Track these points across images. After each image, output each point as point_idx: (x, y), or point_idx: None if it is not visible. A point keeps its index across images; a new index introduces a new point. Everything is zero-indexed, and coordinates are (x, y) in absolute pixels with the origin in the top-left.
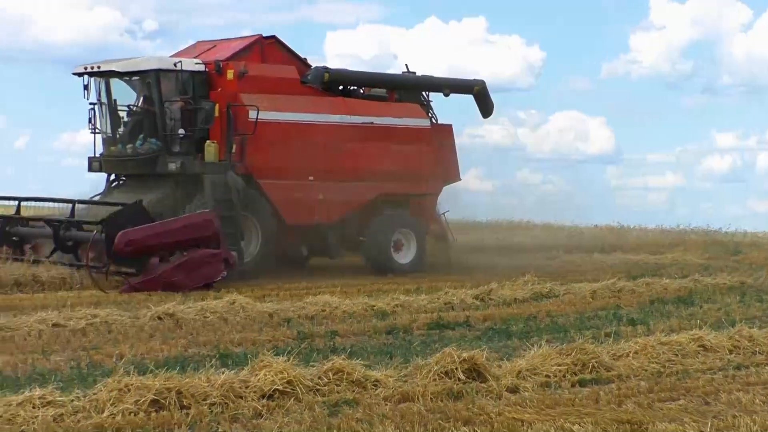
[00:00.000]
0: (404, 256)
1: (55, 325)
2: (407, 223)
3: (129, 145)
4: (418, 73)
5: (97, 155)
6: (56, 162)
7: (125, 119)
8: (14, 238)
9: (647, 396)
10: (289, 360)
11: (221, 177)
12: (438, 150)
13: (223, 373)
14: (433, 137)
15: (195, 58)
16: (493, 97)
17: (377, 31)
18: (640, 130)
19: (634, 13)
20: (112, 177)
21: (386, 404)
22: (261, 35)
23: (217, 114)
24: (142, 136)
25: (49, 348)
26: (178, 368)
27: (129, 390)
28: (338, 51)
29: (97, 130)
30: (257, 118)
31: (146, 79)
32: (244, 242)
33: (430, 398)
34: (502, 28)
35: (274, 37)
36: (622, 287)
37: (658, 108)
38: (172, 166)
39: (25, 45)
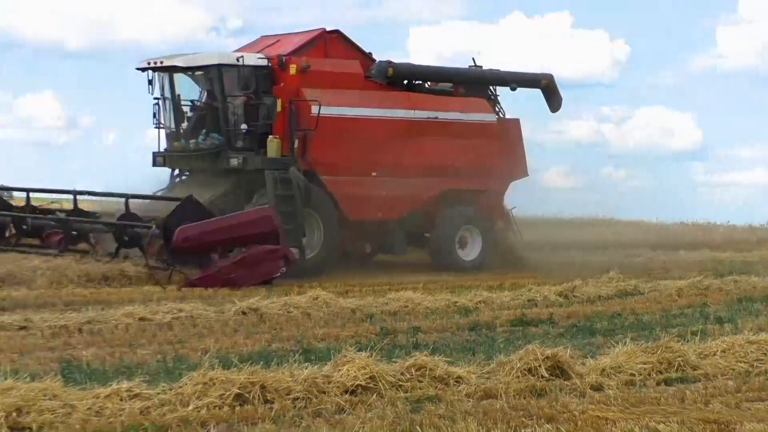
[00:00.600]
0: (469, 253)
1: (141, 318)
2: (472, 219)
3: (192, 141)
4: (485, 67)
5: (162, 150)
6: (144, 158)
7: (188, 114)
8: (73, 232)
9: (735, 396)
10: (371, 356)
11: (283, 173)
12: (505, 145)
13: (306, 368)
14: (500, 132)
15: (258, 52)
16: (577, 92)
17: (460, 27)
18: (727, 126)
19: (722, 7)
20: (176, 172)
21: (469, 401)
22: (324, 29)
23: (279, 109)
24: (204, 131)
25: (135, 341)
26: (261, 363)
27: (214, 384)
28: (421, 48)
29: (161, 125)
30: (319, 113)
31: (209, 74)
32: (306, 239)
33: (513, 395)
34: (586, 23)
35: (337, 31)
36: (708, 285)
37: (745, 103)
38: (234, 162)
39: (114, 44)
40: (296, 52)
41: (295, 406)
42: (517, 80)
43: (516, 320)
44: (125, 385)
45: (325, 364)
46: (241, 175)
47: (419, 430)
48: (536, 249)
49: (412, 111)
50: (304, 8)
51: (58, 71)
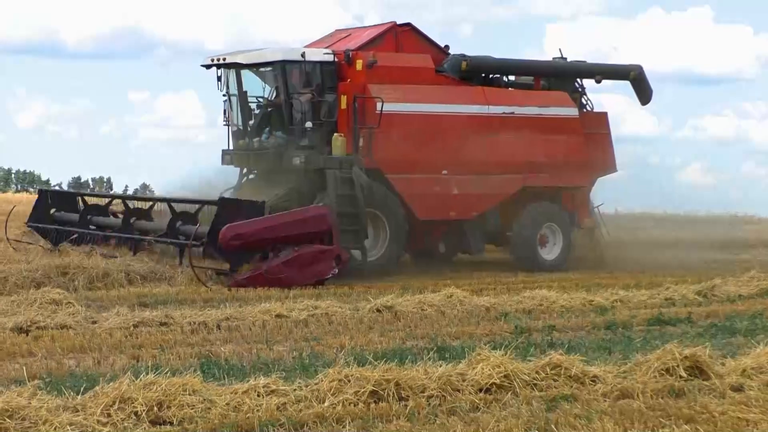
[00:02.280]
0: (550, 252)
1: (278, 315)
2: (554, 217)
3: (256, 139)
4: (570, 60)
5: (230, 149)
6: None
7: (255, 112)
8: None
9: None
10: (506, 354)
11: (345, 172)
12: (589, 140)
13: (440, 366)
14: (584, 126)
15: (328, 47)
16: (717, 89)
17: (597, 22)
18: None
19: None
20: (245, 170)
21: (605, 400)
22: (395, 23)
23: (344, 106)
24: (267, 129)
25: (272, 338)
26: (396, 360)
27: (349, 381)
28: (557, 44)
29: (229, 123)
30: (382, 110)
31: (272, 71)
32: (371, 239)
33: (651, 395)
34: (728, 18)
35: (409, 24)
36: None
37: None
38: (297, 161)
39: (252, 44)
40: (365, 46)
41: (429, 404)
42: (603, 72)
43: (653, 319)
44: (262, 381)
45: (460, 362)
46: (305, 175)
47: (554, 429)
48: (625, 247)
49: (487, 106)
50: (442, 6)
51: (198, 72)
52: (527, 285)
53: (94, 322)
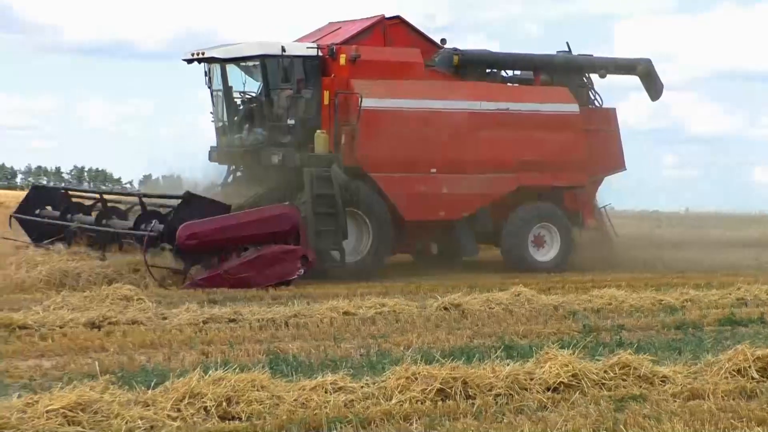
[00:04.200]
0: (545, 253)
1: (345, 313)
2: (549, 217)
3: (237, 136)
4: (576, 53)
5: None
6: None
7: (240, 108)
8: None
9: None
10: (574, 353)
11: (323, 170)
12: (594, 137)
13: (507, 364)
14: (587, 123)
15: (317, 40)
16: None
17: (666, 20)
18: None
19: None
20: (233, 168)
21: (674, 401)
22: (383, 16)
23: (327, 102)
24: (247, 126)
25: (340, 335)
26: (463, 358)
27: (416, 378)
28: (626, 42)
29: (215, 119)
30: (361, 107)
31: (252, 66)
32: (353, 240)
33: (721, 396)
34: None
35: (398, 17)
36: None
37: None
38: (275, 159)
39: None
40: (351, 40)
41: (496, 403)
42: (608, 66)
43: (725, 319)
44: (330, 377)
45: (527, 360)
46: (286, 173)
47: (623, 429)
48: (634, 247)
49: (479, 102)
50: (504, 5)
51: None
52: (596, 284)
53: (165, 318)
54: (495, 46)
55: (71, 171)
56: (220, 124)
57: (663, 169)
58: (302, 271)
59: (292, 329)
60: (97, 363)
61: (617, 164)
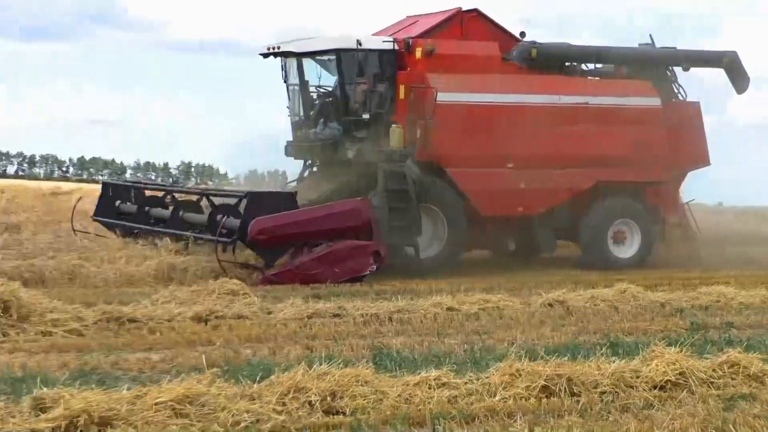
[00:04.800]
0: (626, 250)
1: (449, 308)
2: (630, 213)
3: (312, 130)
4: (659, 46)
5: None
6: None
7: (316, 102)
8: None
9: None
10: (681, 351)
11: (397, 165)
12: (677, 132)
13: (613, 361)
14: (670, 117)
15: (394, 34)
16: None
17: None
18: None
19: None
20: (309, 163)
21: None
22: (460, 8)
23: (403, 96)
24: (322, 120)
25: (443, 331)
26: (568, 355)
27: (520, 375)
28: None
29: (291, 114)
30: (436, 101)
31: (328, 60)
32: (428, 236)
33: None
34: None
35: (476, 10)
36: None
37: None
38: (350, 153)
39: None
40: (428, 33)
41: (602, 400)
42: (691, 59)
43: None
44: (433, 373)
45: (633, 358)
46: (361, 168)
47: (732, 429)
48: (720, 245)
49: (558, 96)
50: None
51: None
52: (704, 281)
53: (270, 313)
54: (598, 40)
55: (178, 166)
56: (296, 118)
57: None
58: (375, 267)
59: (396, 324)
60: (203, 356)
61: (701, 159)
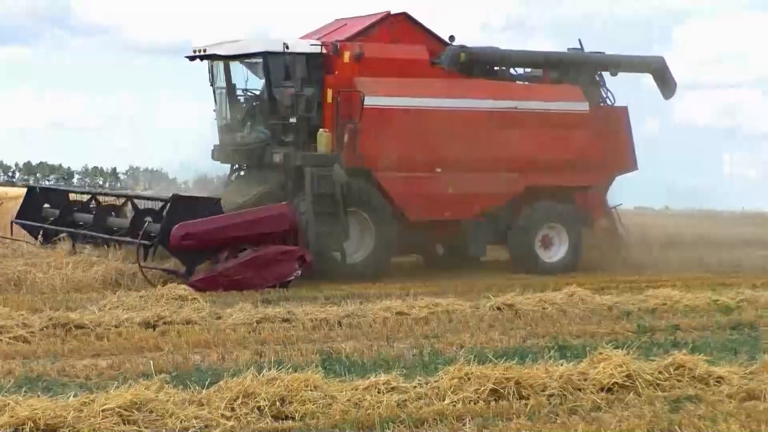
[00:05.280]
0: (553, 254)
1: (399, 313)
2: (558, 217)
3: (239, 134)
4: (588, 51)
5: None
6: None
7: (243, 106)
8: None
9: None
10: (628, 353)
11: (324, 170)
12: (604, 136)
13: (561, 364)
14: (597, 122)
15: (322, 37)
16: None
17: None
18: None
19: None
20: (236, 167)
21: (730, 402)
22: (389, 12)
23: (330, 100)
24: (249, 124)
25: (393, 335)
26: (516, 359)
27: (469, 379)
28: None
29: (218, 117)
30: (363, 105)
31: (255, 63)
32: (356, 241)
33: None
34: None
35: (404, 13)
36: None
37: None
38: (276, 158)
39: None
40: (356, 37)
41: (550, 403)
42: (619, 64)
43: None
44: (383, 378)
45: (581, 361)
46: (288, 172)
47: (678, 430)
48: (648, 248)
49: (486, 101)
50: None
51: None
52: (650, 284)
53: (219, 318)
54: (560, 45)
55: (127, 171)
56: (223, 122)
57: (729, 168)
58: (299, 272)
59: (345, 329)
60: (152, 362)
61: (628, 164)
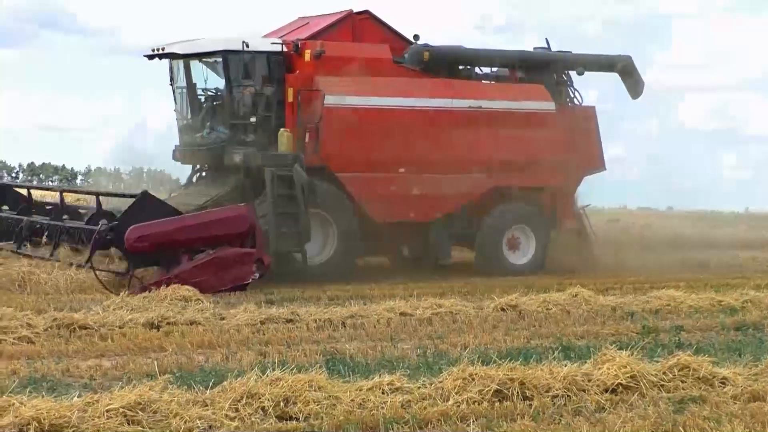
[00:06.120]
0: (520, 256)
1: (402, 313)
2: (524, 218)
3: (199, 134)
4: (556, 50)
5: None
6: None
7: (203, 106)
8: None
9: None
10: (632, 354)
11: (285, 170)
12: (572, 136)
13: (565, 365)
14: (564, 122)
15: (284, 36)
16: None
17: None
18: None
19: None
20: (197, 167)
21: (735, 403)
22: (351, 10)
23: (291, 99)
24: (209, 124)
25: (397, 336)
26: (520, 359)
27: (473, 379)
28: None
29: (178, 117)
30: (324, 104)
31: (214, 62)
32: (319, 242)
33: None
34: None
35: (367, 11)
36: None
37: None
38: (237, 158)
39: None
40: (318, 35)
41: (554, 404)
42: (585, 63)
43: None
44: (387, 378)
45: (585, 362)
46: (248, 173)
47: (682, 431)
48: (619, 249)
49: (450, 100)
50: (566, 5)
51: None
52: (654, 285)
53: (223, 319)
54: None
55: (129, 172)
56: (183, 122)
57: (723, 170)
58: (257, 275)
59: (349, 329)
60: (156, 363)
61: (596, 164)
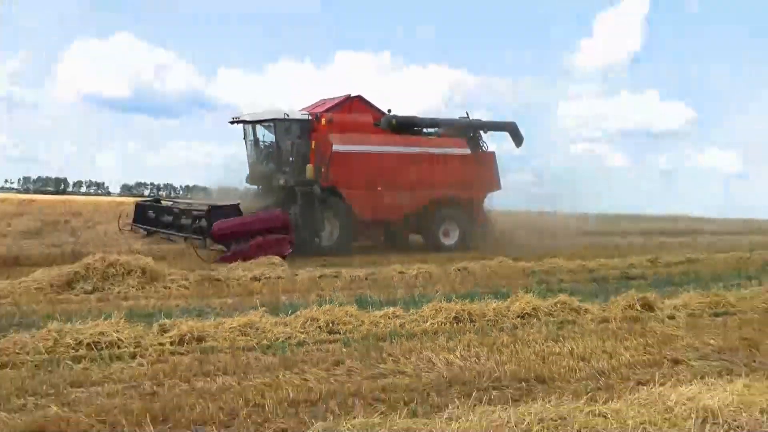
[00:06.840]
0: (450, 240)
1: (400, 272)
2: (452, 217)
3: (260, 168)
4: (472, 118)
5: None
6: None
7: (262, 150)
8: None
9: (758, 323)
10: (533, 296)
11: (308, 188)
12: (480, 169)
13: (494, 302)
14: (476, 160)
15: (310, 109)
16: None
17: None
18: None
19: None
20: (258, 187)
21: (592, 323)
22: (350, 94)
23: (313, 147)
24: (265, 162)
25: (397, 285)
26: (469, 299)
27: (441, 310)
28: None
29: (248, 157)
30: (332, 150)
31: (268, 125)
32: (327, 232)
33: (619, 321)
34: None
35: (359, 96)
36: (743, 256)
37: None
38: (280, 182)
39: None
40: (329, 110)
41: (488, 324)
42: (488, 126)
43: (622, 276)
44: (391, 310)
45: (505, 300)
46: (287, 191)
47: (562, 339)
48: (513, 236)
49: (408, 147)
50: None
51: None
52: (547, 255)
53: (296, 275)
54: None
55: (186, 186)
56: (251, 160)
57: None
58: (290, 250)
59: (370, 282)
60: (257, 300)
61: (495, 186)
